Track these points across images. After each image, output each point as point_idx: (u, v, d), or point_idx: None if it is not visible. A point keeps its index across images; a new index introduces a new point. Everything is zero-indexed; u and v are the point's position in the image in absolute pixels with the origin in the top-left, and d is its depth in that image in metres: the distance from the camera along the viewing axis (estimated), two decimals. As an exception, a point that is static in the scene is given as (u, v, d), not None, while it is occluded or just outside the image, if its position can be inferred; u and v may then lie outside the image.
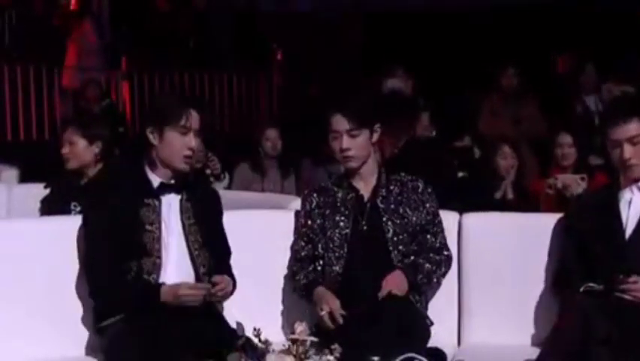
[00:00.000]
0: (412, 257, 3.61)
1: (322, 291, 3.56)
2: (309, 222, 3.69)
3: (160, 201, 3.44)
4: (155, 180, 3.47)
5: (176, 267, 3.41)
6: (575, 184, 5.14)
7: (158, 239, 3.40)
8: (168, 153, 3.42)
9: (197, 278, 3.43)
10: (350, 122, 3.60)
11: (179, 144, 3.41)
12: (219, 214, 3.64)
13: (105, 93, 9.62)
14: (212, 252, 3.50)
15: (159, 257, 3.39)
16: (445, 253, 3.69)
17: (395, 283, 3.49)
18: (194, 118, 3.43)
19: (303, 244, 3.72)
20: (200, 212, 3.51)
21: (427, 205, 3.67)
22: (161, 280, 3.36)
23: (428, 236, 3.67)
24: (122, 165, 3.57)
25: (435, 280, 3.66)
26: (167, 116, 3.41)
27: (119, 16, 10.60)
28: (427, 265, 3.61)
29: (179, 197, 3.48)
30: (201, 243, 3.47)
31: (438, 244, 3.68)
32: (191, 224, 3.47)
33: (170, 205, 3.46)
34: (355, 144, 3.61)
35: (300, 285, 3.67)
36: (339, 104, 3.65)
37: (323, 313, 3.45)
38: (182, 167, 3.45)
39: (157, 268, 3.38)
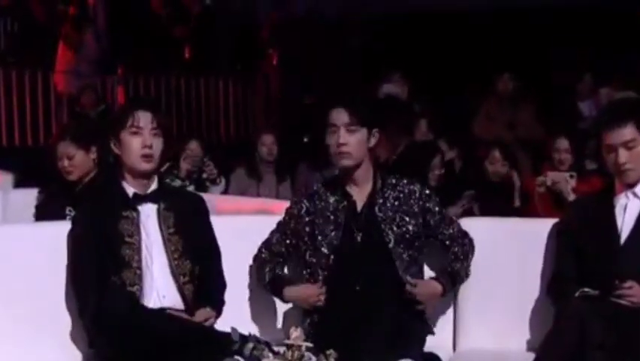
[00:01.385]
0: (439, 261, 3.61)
1: (293, 289, 3.56)
2: (293, 224, 3.63)
3: (138, 212, 3.47)
4: (130, 190, 3.50)
5: (159, 276, 3.43)
6: (564, 181, 5.19)
7: (138, 250, 3.42)
8: (128, 156, 3.48)
9: (179, 287, 3.44)
10: (350, 116, 3.52)
11: (134, 145, 3.46)
12: (204, 216, 3.63)
13: (101, 99, 9.59)
14: (196, 258, 3.50)
15: (139, 268, 3.40)
16: (468, 237, 3.66)
17: (427, 293, 3.52)
18: (143, 118, 3.47)
19: (280, 238, 3.67)
20: (182, 220, 3.51)
21: (430, 205, 3.60)
22: (145, 290, 3.38)
23: (448, 230, 3.62)
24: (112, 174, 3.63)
25: (469, 273, 3.66)
26: (117, 121, 3.52)
27: (116, 19, 10.58)
28: (458, 264, 3.60)
29: (156, 206, 3.50)
30: (181, 252, 3.47)
31: (457, 233, 3.64)
32: (170, 233, 3.48)
33: (149, 216, 3.48)
34: (352, 141, 3.52)
35: (266, 281, 3.63)
36: (341, 98, 3.60)
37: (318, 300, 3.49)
38: (143, 167, 3.48)
39: (139, 278, 3.39)
